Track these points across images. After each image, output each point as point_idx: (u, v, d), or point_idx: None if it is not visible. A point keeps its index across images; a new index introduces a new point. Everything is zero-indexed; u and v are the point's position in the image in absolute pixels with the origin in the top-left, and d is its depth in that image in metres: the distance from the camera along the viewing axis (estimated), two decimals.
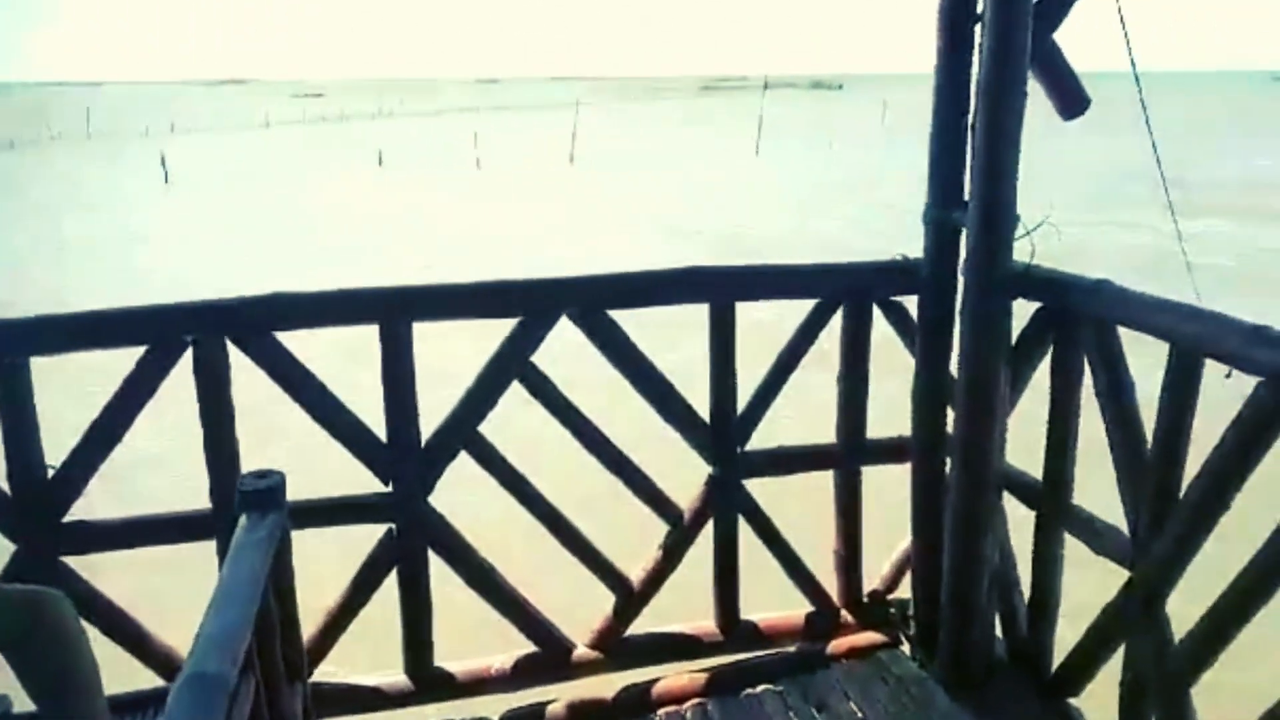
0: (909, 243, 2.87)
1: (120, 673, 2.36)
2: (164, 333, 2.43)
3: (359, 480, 2.65)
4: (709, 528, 2.87)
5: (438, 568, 2.71)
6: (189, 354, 2.43)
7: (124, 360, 2.43)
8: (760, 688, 2.81)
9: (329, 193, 24.04)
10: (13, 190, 25.70)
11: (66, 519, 2.45)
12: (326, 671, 2.68)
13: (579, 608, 2.89)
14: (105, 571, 2.54)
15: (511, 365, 2.63)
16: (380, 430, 2.59)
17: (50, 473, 2.41)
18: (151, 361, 2.41)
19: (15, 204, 22.48)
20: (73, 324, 2.43)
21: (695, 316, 2.77)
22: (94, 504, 2.50)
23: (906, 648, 2.96)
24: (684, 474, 2.87)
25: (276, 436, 3.05)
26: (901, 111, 34.08)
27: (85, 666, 1.68)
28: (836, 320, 2.83)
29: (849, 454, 2.92)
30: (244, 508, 1.93)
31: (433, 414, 2.63)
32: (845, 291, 2.81)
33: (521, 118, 58.35)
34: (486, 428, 2.65)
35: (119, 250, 16.26)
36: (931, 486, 2.78)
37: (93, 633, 2.03)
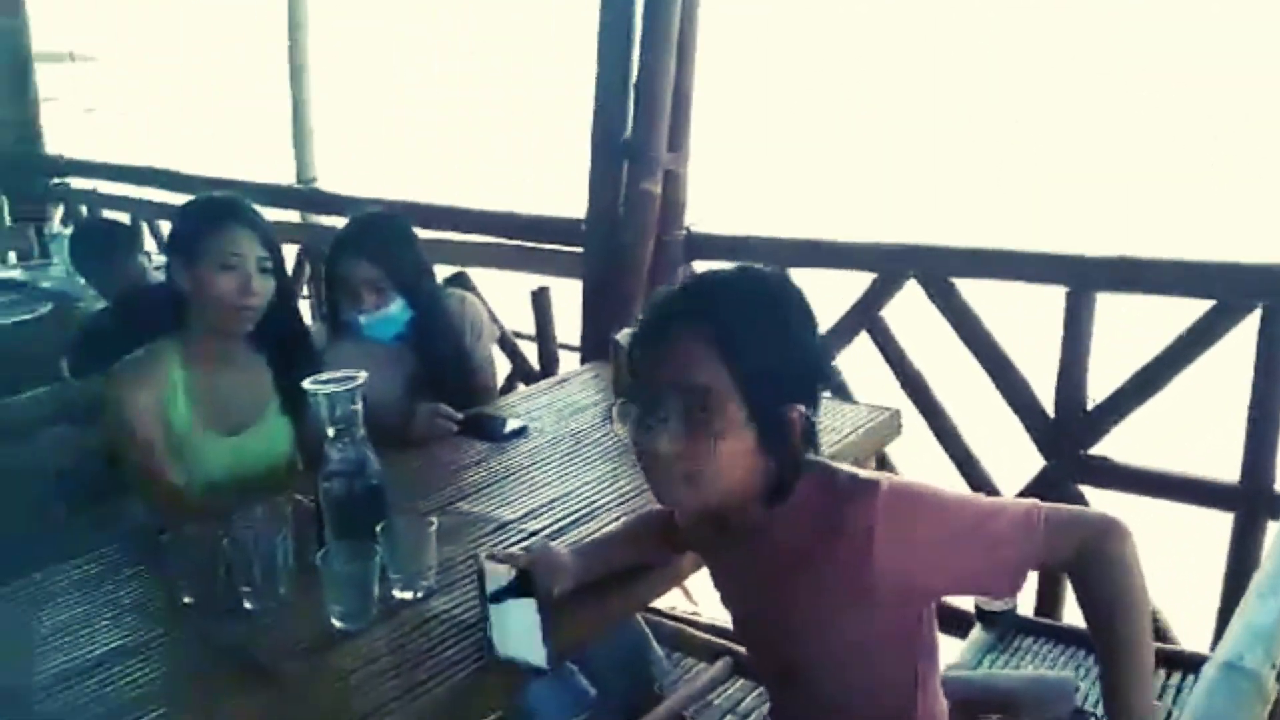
0: None
1: None
2: (1234, 292, 2.35)
3: None
4: None
5: None
6: (1255, 315, 2.33)
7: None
8: None
9: None
10: None
11: (1092, 450, 2.58)
12: None
13: None
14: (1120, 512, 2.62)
15: None
16: None
17: (1090, 404, 2.56)
18: (1216, 319, 2.37)
19: None
20: (1152, 270, 2.49)
21: None
22: (1119, 444, 2.59)
23: None
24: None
25: None
26: None
27: None
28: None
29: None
30: None
31: None
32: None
33: None
34: None
35: None
36: None
37: None
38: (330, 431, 1.60)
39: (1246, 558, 2.38)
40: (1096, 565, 1.16)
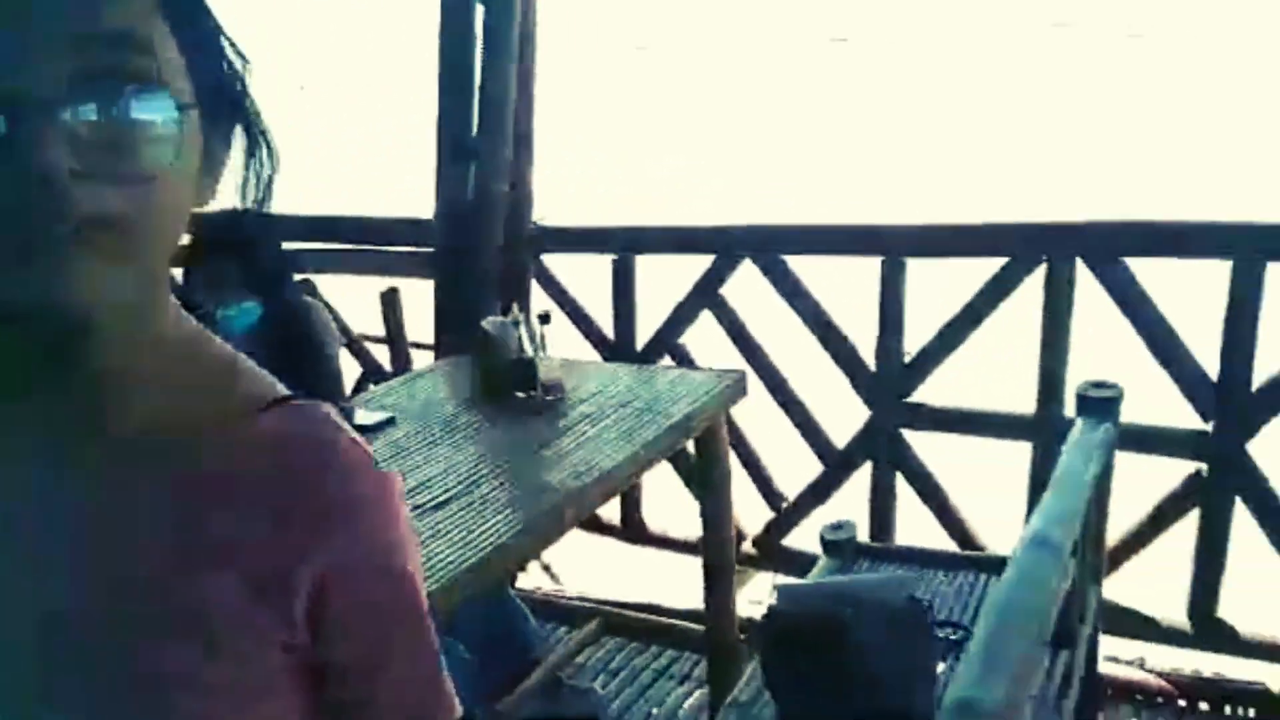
0: None
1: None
2: (1024, 249, 2.73)
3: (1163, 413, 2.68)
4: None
5: (1242, 519, 2.63)
6: (1041, 270, 2.70)
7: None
8: None
9: None
10: None
11: (910, 399, 2.92)
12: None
13: None
14: (936, 449, 3.00)
15: None
16: (1212, 367, 2.58)
17: (907, 358, 2.90)
18: (1010, 274, 2.73)
19: None
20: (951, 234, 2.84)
21: None
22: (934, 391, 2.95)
23: None
24: None
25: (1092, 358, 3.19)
26: None
27: None
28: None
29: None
30: (1082, 411, 2.11)
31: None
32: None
33: None
34: None
35: None
36: None
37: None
38: None
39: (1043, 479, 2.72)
40: None
